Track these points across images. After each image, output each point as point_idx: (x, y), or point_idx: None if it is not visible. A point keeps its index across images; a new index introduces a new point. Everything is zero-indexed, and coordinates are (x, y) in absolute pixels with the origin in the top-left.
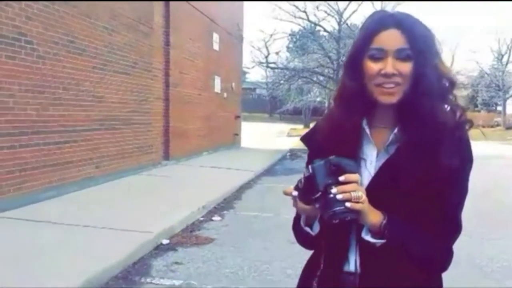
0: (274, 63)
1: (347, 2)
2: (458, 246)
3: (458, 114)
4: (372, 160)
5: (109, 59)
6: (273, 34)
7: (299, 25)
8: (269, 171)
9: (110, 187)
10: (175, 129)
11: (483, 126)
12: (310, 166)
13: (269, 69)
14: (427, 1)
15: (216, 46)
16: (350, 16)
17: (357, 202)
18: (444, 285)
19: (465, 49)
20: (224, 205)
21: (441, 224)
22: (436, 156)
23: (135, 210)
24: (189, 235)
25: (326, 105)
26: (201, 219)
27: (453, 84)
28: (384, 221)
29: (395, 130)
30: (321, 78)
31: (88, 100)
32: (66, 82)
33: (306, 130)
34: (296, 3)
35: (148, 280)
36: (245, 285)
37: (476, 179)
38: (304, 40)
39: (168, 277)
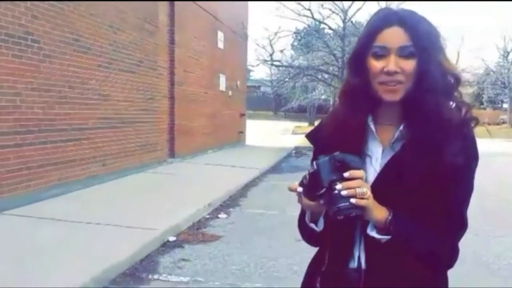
0: (278, 61)
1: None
2: (464, 244)
3: (463, 111)
4: (377, 157)
5: (114, 57)
6: (278, 32)
7: (304, 23)
8: (274, 169)
9: (115, 185)
10: (180, 127)
11: (489, 124)
12: (314, 162)
13: (273, 67)
14: (430, 1)
15: (220, 45)
16: (354, 13)
17: (362, 198)
18: (450, 282)
19: (469, 47)
20: (230, 202)
21: (446, 221)
22: (442, 153)
23: (141, 208)
24: (195, 233)
25: (331, 103)
26: (207, 216)
27: (458, 80)
28: (390, 217)
29: (401, 127)
30: (326, 76)
31: (94, 99)
32: (72, 80)
33: (311, 128)
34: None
35: (156, 276)
36: (252, 282)
37: (481, 177)
38: (308, 38)
39: (176, 274)
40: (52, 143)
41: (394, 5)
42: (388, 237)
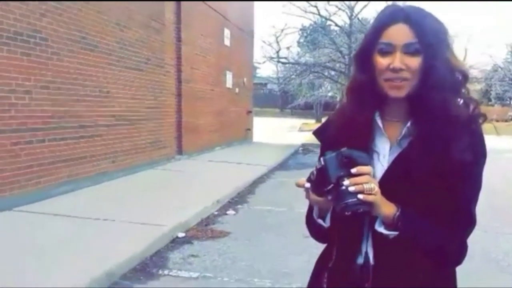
0: (285, 58)
1: None
2: (473, 240)
3: (471, 107)
4: (385, 153)
5: (122, 55)
6: (284, 29)
7: (310, 20)
8: (282, 166)
9: (125, 182)
10: (187, 124)
11: (497, 121)
12: (322, 158)
13: (280, 64)
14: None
15: (227, 42)
16: (361, 10)
17: (370, 194)
18: (459, 279)
19: (476, 44)
20: (238, 199)
21: (454, 217)
22: (449, 150)
23: (150, 204)
24: (204, 229)
25: (338, 99)
26: (216, 213)
27: (465, 77)
28: (398, 213)
29: (408, 124)
30: (333, 72)
31: (102, 96)
32: (80, 78)
33: (318, 125)
34: None
35: (166, 272)
36: (261, 278)
37: (489, 174)
38: (315, 35)
39: (185, 269)
40: (61, 140)
41: (401, 2)
42: (396, 233)
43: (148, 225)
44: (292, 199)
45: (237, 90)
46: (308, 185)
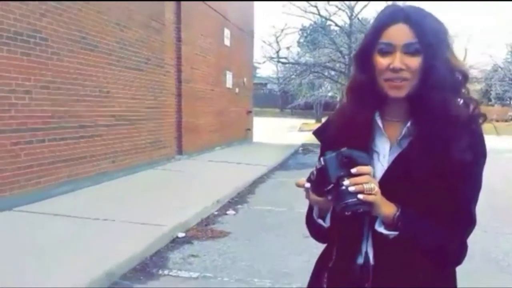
0: (285, 58)
1: None
2: (473, 240)
3: (471, 107)
4: (385, 153)
5: (122, 55)
6: (284, 29)
7: (310, 20)
8: (282, 166)
9: (125, 182)
10: (187, 124)
11: (497, 121)
12: (322, 158)
13: (280, 64)
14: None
15: (227, 42)
16: (361, 10)
17: (370, 194)
18: (459, 279)
19: (477, 44)
20: (238, 199)
21: (454, 217)
22: (449, 150)
23: (150, 204)
24: (204, 229)
25: (338, 99)
26: (216, 213)
27: (465, 77)
28: (398, 213)
29: (408, 124)
30: (333, 72)
31: (102, 96)
32: (81, 78)
33: (318, 125)
34: None
35: (166, 272)
36: (261, 278)
37: (489, 174)
38: (315, 35)
39: (185, 269)
40: (61, 140)
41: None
42: (396, 233)
43: (148, 225)
44: (292, 199)
45: (237, 90)
46: (308, 185)
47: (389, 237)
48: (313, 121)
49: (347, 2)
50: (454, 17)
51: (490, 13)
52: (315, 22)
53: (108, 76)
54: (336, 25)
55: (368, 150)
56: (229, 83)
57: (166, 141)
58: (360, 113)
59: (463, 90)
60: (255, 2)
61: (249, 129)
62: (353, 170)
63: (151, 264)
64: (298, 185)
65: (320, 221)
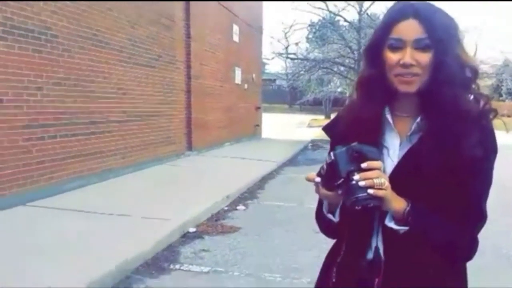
0: (294, 54)
1: None
2: (483, 236)
3: (482, 103)
4: (395, 149)
5: (132, 52)
6: (293, 25)
7: (319, 15)
8: (291, 162)
9: (136, 177)
10: (197, 120)
11: (508, 116)
12: (332, 153)
13: (289, 60)
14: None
15: (236, 38)
16: (370, 5)
17: (380, 189)
18: (470, 274)
19: (487, 39)
20: (248, 195)
21: (464, 213)
22: (459, 145)
23: (161, 200)
24: (214, 224)
25: (347, 95)
26: (226, 208)
27: (475, 73)
28: (408, 208)
29: (418, 119)
30: (342, 68)
31: (112, 92)
32: (92, 75)
33: (327, 121)
34: None
35: (177, 266)
36: (271, 273)
37: (500, 169)
38: (324, 30)
39: (196, 264)
40: (73, 136)
41: None
42: (406, 228)
43: (159, 220)
44: (302, 195)
45: (246, 86)
46: (318, 179)
47: (399, 232)
48: (322, 117)
49: None
50: (465, 12)
51: (502, 7)
52: (324, 18)
53: (119, 73)
54: (345, 20)
55: (378, 145)
56: (238, 79)
57: (176, 137)
58: (370, 108)
59: (474, 86)
60: None
61: (258, 125)
62: (364, 165)
63: (162, 258)
64: (308, 179)
65: (329, 215)
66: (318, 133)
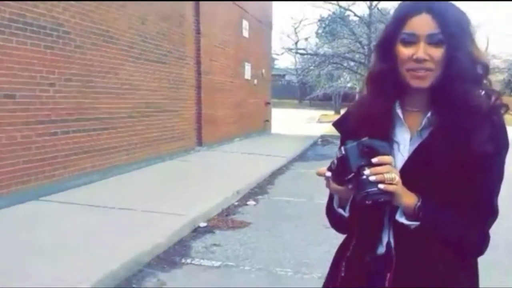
0: (303, 49)
1: None
2: (495, 231)
3: (493, 98)
4: (405, 144)
5: (143, 48)
6: (303, 20)
7: (329, 10)
8: (301, 157)
9: (146, 173)
10: (207, 116)
11: None
12: (342, 148)
13: (298, 55)
14: None
15: (245, 33)
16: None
17: (391, 184)
18: (481, 269)
19: (500, 33)
20: (258, 190)
21: (475, 208)
22: (470, 140)
23: (172, 195)
24: (225, 219)
25: (357, 90)
26: (236, 203)
27: (487, 69)
28: (419, 203)
29: (428, 114)
30: (352, 63)
31: (124, 88)
32: (104, 71)
33: (337, 116)
34: None
35: (189, 260)
36: (281, 268)
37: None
38: (333, 25)
39: (208, 258)
40: (85, 132)
41: None
42: (417, 223)
43: (170, 214)
44: (312, 190)
45: (255, 81)
46: (329, 173)
47: (410, 228)
48: (332, 112)
49: None
50: (477, 6)
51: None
52: (333, 13)
53: (130, 69)
54: (355, 15)
55: (388, 140)
56: (247, 74)
57: (186, 132)
58: (380, 103)
59: (485, 81)
60: None
61: (267, 121)
62: (374, 160)
63: (174, 252)
64: (319, 174)
65: (340, 210)
66: (328, 129)
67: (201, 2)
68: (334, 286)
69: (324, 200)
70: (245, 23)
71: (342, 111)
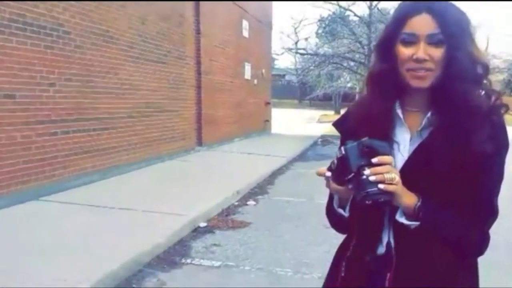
0: (303, 49)
1: None
2: (495, 231)
3: (493, 98)
4: (405, 144)
5: (143, 48)
6: (303, 20)
7: (329, 10)
8: (301, 157)
9: (146, 173)
10: (207, 116)
11: None
12: (342, 148)
13: (298, 55)
14: None
15: (245, 33)
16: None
17: (391, 184)
18: (481, 269)
19: (500, 33)
20: (258, 190)
21: (475, 208)
22: (470, 140)
23: (172, 195)
24: (225, 219)
25: (357, 90)
26: (236, 203)
27: (487, 69)
28: (419, 204)
29: (428, 114)
30: (352, 63)
31: (124, 89)
32: (104, 71)
33: (337, 116)
34: None
35: (189, 260)
36: (281, 268)
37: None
38: (333, 25)
39: (208, 258)
40: (85, 132)
41: None
42: (417, 223)
43: (170, 214)
44: (312, 190)
45: (255, 81)
46: (328, 173)
47: (410, 228)
48: (332, 112)
49: None
50: (477, 5)
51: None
52: (333, 13)
53: (130, 69)
54: (355, 15)
55: (388, 140)
56: (247, 74)
57: (186, 132)
58: (380, 103)
59: (485, 82)
60: None
61: (267, 121)
62: (374, 160)
63: (174, 252)
64: (319, 174)
65: (340, 210)
66: (328, 129)
67: (201, 2)
68: (334, 286)
69: (324, 200)
70: (245, 23)
71: (342, 111)
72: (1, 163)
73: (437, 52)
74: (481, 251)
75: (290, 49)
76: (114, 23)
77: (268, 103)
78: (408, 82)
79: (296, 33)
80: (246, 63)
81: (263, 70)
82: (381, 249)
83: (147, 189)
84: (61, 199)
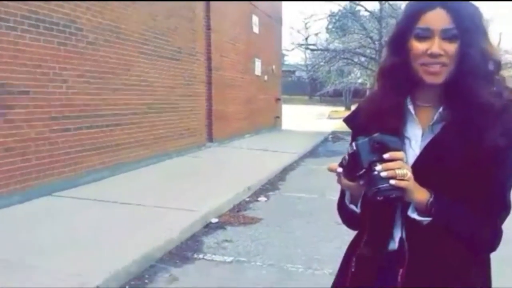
0: (313, 44)
1: None
2: (508, 226)
3: (505, 94)
4: (417, 139)
5: (155, 44)
6: (313, 15)
7: (339, 5)
8: (312, 153)
9: (158, 169)
10: (217, 112)
11: None
12: (354, 143)
13: (308, 51)
14: None
15: (255, 29)
16: None
17: (402, 180)
18: (493, 265)
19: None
20: (269, 186)
21: (488, 203)
22: (482, 136)
23: (183, 191)
24: (236, 215)
25: (368, 86)
26: (247, 199)
27: (498, 65)
28: (431, 199)
29: (440, 109)
30: (363, 59)
31: (135, 85)
32: (115, 67)
33: (348, 112)
34: None
35: (201, 256)
36: (292, 263)
37: None
38: (344, 20)
39: (219, 254)
40: (98, 128)
41: None
42: (429, 219)
43: (182, 210)
44: (323, 186)
45: (265, 77)
46: (340, 169)
47: (422, 223)
48: (342, 108)
49: None
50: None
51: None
52: (344, 8)
53: (141, 65)
54: (366, 10)
55: (399, 135)
56: (258, 70)
57: (197, 128)
58: (391, 98)
59: (498, 78)
60: None
61: (278, 117)
62: (386, 156)
63: (186, 248)
64: (330, 170)
65: (352, 206)
66: (339, 125)
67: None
68: (344, 282)
69: (336, 196)
70: (255, 19)
71: (353, 107)
72: (15, 159)
73: (451, 47)
74: (493, 247)
75: (300, 45)
76: (126, 19)
77: (278, 99)
78: (421, 77)
79: (306, 28)
80: (256, 59)
81: (273, 66)
82: (393, 245)
83: (158, 185)
84: (73, 195)
